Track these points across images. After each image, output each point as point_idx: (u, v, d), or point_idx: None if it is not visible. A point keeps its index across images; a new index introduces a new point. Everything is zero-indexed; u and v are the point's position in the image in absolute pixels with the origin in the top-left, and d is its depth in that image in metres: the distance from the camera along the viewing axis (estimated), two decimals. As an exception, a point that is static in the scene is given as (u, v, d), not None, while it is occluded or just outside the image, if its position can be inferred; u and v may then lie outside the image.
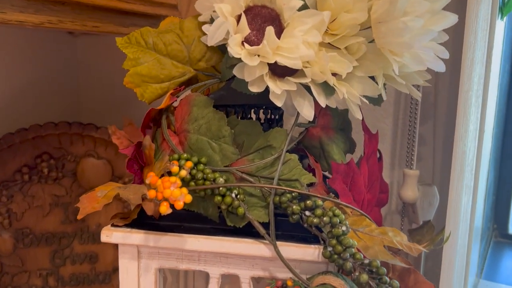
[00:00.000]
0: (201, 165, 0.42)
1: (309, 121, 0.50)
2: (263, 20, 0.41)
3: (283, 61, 0.38)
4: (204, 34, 0.48)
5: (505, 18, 0.68)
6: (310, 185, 0.45)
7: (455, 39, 0.54)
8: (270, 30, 0.38)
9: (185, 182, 0.42)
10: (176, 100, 0.48)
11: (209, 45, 0.46)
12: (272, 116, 0.52)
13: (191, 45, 0.51)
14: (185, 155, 0.42)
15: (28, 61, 0.81)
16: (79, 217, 0.41)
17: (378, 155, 0.56)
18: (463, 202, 0.56)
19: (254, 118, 0.53)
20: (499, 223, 1.10)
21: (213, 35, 0.44)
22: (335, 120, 0.50)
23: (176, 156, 0.42)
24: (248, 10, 0.41)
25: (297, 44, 0.38)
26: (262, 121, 0.53)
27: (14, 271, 0.76)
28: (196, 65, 0.51)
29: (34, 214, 0.78)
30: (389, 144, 0.65)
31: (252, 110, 0.51)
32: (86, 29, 0.52)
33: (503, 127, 1.03)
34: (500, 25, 0.64)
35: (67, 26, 0.50)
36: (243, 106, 0.49)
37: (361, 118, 0.44)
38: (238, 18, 0.41)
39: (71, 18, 0.50)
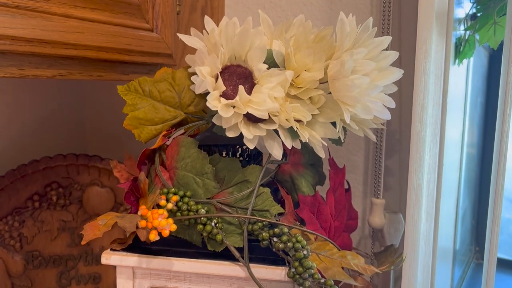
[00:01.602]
0: (186, 198, 0.50)
1: (282, 158, 0.57)
2: (238, 77, 0.49)
3: (253, 112, 0.46)
4: (193, 83, 0.56)
5: (465, 60, 0.76)
6: (281, 214, 0.52)
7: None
8: (241, 89, 0.46)
9: (172, 213, 0.49)
10: (168, 141, 0.56)
11: (196, 93, 0.54)
12: (252, 153, 0.59)
13: (181, 92, 0.59)
14: (173, 189, 0.50)
15: (38, 98, 0.90)
16: (83, 242, 0.48)
17: (347, 186, 0.64)
18: (423, 228, 0.63)
19: (238, 155, 0.61)
20: (481, 246, 1.16)
21: (199, 86, 0.52)
22: (306, 157, 0.58)
23: (165, 190, 0.50)
24: (225, 69, 0.50)
25: (264, 98, 0.46)
26: (245, 157, 0.61)
27: (24, 290, 0.83)
28: (186, 109, 0.59)
29: (43, 238, 0.85)
30: (361, 175, 0.72)
31: (233, 148, 0.59)
32: (91, 78, 0.61)
33: (481, 155, 1.10)
34: (458, 69, 0.71)
35: (76, 77, 0.59)
36: (225, 146, 0.57)
37: (323, 157, 0.52)
38: (218, 76, 0.50)
39: (79, 70, 0.59)
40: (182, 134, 0.59)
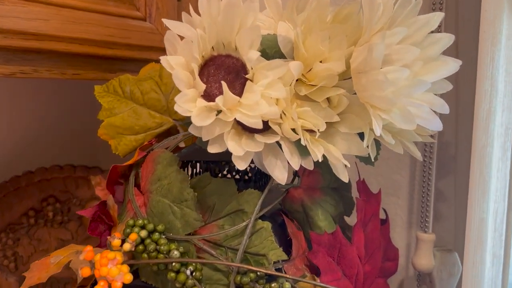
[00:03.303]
0: (156, 233, 0.37)
1: (293, 180, 0.44)
2: (227, 71, 0.36)
3: (241, 119, 0.33)
4: (183, 82, 0.43)
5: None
6: (287, 259, 0.38)
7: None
8: (225, 87, 0.33)
9: (138, 253, 0.37)
10: (145, 155, 0.44)
11: (185, 94, 0.42)
12: (254, 172, 0.46)
13: (169, 93, 0.47)
14: (140, 221, 0.38)
15: (43, 100, 0.81)
16: (21, 288, 0.37)
17: (384, 216, 0.49)
18: (488, 275, 0.47)
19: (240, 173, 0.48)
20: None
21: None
22: (326, 178, 0.44)
23: (130, 222, 0.38)
24: (210, 60, 0.37)
25: (257, 100, 0.33)
26: (251, 175, 0.48)
27: (17, 317, 0.74)
28: (175, 114, 0.47)
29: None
30: (405, 199, 0.57)
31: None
32: (65, 77, 0.50)
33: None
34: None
35: (43, 75, 0.48)
36: (217, 163, 0.44)
37: (346, 181, 0.38)
38: (201, 69, 0.37)
39: (47, 66, 0.48)
40: (177, 148, 0.47)
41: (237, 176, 0.47)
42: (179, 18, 0.60)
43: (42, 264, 0.39)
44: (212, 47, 0.37)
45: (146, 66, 0.50)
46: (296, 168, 0.36)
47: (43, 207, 0.76)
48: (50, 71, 0.48)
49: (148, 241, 0.37)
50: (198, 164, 0.45)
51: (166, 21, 0.43)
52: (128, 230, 0.37)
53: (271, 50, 0.38)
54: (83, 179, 0.76)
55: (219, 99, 0.33)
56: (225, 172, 0.48)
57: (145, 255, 0.36)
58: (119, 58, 0.54)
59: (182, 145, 0.49)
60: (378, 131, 0.33)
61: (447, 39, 0.35)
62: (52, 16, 0.46)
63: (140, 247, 0.36)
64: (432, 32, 0.36)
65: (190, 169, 0.46)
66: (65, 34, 0.47)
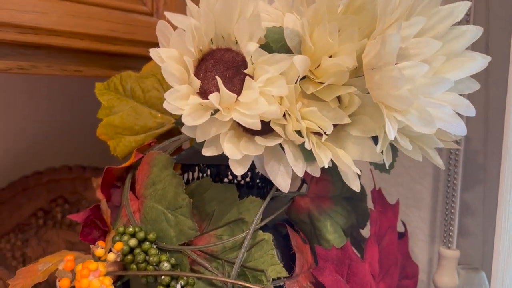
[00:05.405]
0: (147, 243, 0.34)
1: (301, 188, 0.40)
2: (226, 66, 0.33)
3: (238, 119, 0.30)
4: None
5: None
6: (290, 275, 0.35)
7: None
8: (220, 83, 0.29)
9: (127, 264, 0.34)
10: (142, 157, 0.41)
11: (187, 92, 0.39)
12: (256, 178, 0.43)
13: (172, 92, 0.44)
14: (131, 228, 0.35)
15: (58, 98, 0.80)
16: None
17: (402, 229, 0.45)
18: (519, 300, 0.42)
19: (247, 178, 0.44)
20: None
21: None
22: (337, 186, 0.40)
23: (121, 229, 0.35)
24: (209, 54, 0.33)
25: (255, 97, 0.29)
26: (257, 181, 0.44)
27: (23, 320, 0.73)
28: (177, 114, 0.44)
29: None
30: (427, 211, 0.52)
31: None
32: (66, 73, 0.48)
33: None
34: None
35: (43, 71, 0.46)
36: (218, 167, 0.41)
37: (358, 190, 0.34)
38: (198, 63, 0.34)
39: (47, 62, 0.46)
40: (178, 150, 0.44)
41: (242, 182, 0.44)
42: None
43: (29, 271, 0.37)
44: (212, 40, 0.34)
45: (148, 63, 0.47)
46: (300, 175, 0.32)
47: (51, 207, 0.74)
48: (49, 67, 0.46)
49: (137, 250, 0.34)
50: (197, 168, 0.42)
51: (167, 14, 0.40)
52: (117, 238, 0.34)
53: (276, 44, 0.34)
54: (91, 180, 0.75)
55: (212, 97, 0.29)
56: (230, 177, 0.45)
57: (134, 266, 0.33)
58: (124, 55, 0.51)
59: (186, 146, 0.46)
60: (392, 135, 0.29)
61: (474, 31, 0.31)
62: (50, 8, 0.43)
63: (129, 257, 0.34)
64: (458, 23, 0.32)
65: (191, 173, 0.43)
66: (64, 28, 0.44)
